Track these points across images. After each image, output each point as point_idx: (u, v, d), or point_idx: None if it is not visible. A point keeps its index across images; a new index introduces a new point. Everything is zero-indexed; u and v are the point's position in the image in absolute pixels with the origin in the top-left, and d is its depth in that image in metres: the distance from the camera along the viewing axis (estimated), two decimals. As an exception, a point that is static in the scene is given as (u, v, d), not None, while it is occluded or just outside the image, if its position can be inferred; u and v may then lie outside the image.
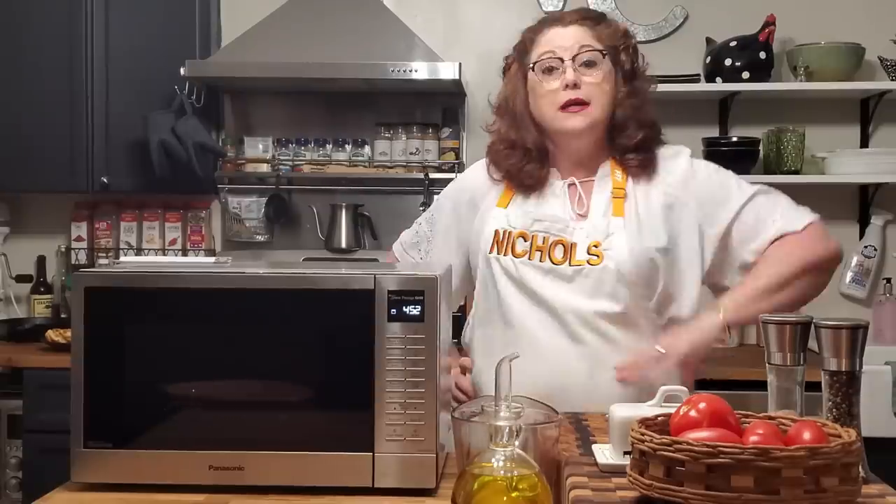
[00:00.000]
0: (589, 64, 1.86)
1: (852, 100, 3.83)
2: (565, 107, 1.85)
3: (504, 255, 1.88)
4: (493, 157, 1.97)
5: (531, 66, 1.89)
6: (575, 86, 1.84)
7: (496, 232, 1.90)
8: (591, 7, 3.89)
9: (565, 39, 1.87)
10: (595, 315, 1.82)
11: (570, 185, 1.91)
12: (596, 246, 1.83)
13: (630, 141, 1.88)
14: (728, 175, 1.97)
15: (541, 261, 1.86)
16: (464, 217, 2.02)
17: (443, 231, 2.06)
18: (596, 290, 1.82)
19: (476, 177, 2.03)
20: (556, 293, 1.84)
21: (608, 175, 1.90)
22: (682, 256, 1.87)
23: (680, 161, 1.93)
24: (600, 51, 1.87)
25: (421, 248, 2.10)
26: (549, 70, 1.87)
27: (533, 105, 1.91)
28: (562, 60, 1.86)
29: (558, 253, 1.85)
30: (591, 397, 1.78)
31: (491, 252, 1.90)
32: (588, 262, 1.83)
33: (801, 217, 1.93)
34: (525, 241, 1.87)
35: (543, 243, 1.86)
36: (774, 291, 1.86)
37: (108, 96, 3.72)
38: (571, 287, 1.84)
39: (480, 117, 3.92)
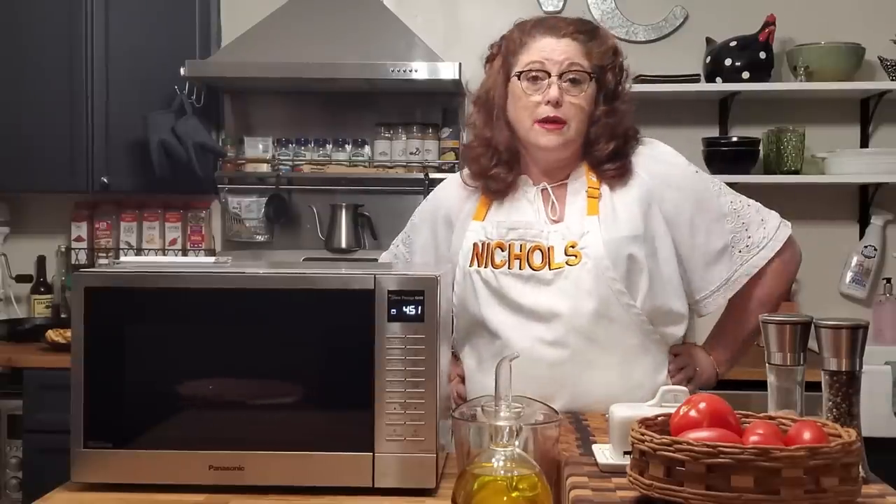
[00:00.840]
0: (574, 82, 1.84)
1: (852, 100, 3.83)
2: (543, 122, 1.84)
3: (484, 267, 1.87)
4: (469, 156, 1.95)
5: (517, 73, 1.86)
6: (557, 103, 1.83)
7: (475, 245, 1.89)
8: (590, 7, 3.90)
9: (556, 53, 1.84)
10: (576, 315, 1.81)
11: (542, 191, 1.90)
12: (573, 246, 1.82)
13: (602, 153, 1.87)
14: (705, 180, 1.95)
15: (520, 268, 1.85)
16: (441, 235, 2.01)
17: (420, 251, 2.06)
18: (576, 289, 1.81)
19: (448, 193, 2.02)
20: (536, 299, 1.83)
21: (582, 177, 1.88)
22: (661, 246, 1.85)
23: (657, 155, 1.92)
24: (588, 73, 1.85)
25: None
26: (534, 80, 1.84)
27: (511, 109, 1.89)
28: (548, 74, 1.83)
29: (537, 258, 1.84)
30: (581, 400, 1.78)
31: (471, 265, 1.89)
32: (567, 262, 1.82)
33: (773, 240, 1.92)
34: (503, 250, 1.86)
35: (521, 251, 1.85)
36: (757, 334, 1.90)
37: (108, 96, 3.73)
38: (552, 290, 1.82)
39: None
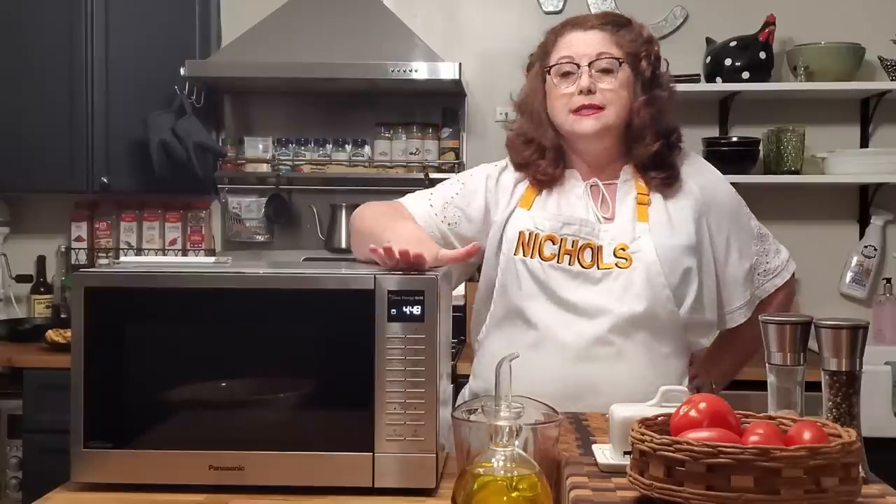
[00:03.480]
0: (606, 71, 1.84)
1: (852, 100, 3.83)
2: (578, 110, 1.84)
3: (531, 257, 1.86)
4: (511, 146, 1.96)
5: (548, 68, 1.88)
6: (590, 91, 1.83)
7: (521, 234, 1.87)
8: (590, 7, 3.90)
9: (584, 45, 1.86)
10: (622, 317, 1.81)
11: (592, 187, 1.90)
12: (623, 249, 1.83)
13: (647, 150, 1.86)
14: (741, 200, 1.99)
15: (570, 264, 1.84)
16: (483, 219, 1.95)
17: (464, 209, 1.96)
18: (624, 292, 1.81)
19: (495, 176, 1.96)
20: (583, 296, 1.83)
21: (631, 180, 1.89)
22: (706, 258, 1.88)
23: (701, 169, 1.95)
24: (618, 59, 1.84)
25: (447, 214, 1.95)
26: (566, 74, 1.86)
27: (549, 106, 1.90)
28: (578, 66, 1.84)
29: (587, 256, 1.84)
30: (616, 393, 1.75)
31: (516, 254, 1.87)
32: (616, 264, 1.82)
33: (785, 270, 2.02)
34: (553, 244, 1.85)
35: (573, 247, 1.85)
36: (752, 356, 2.03)
37: (108, 96, 3.73)
38: (599, 290, 1.83)
39: (480, 117, 3.97)
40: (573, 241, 1.85)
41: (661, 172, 1.87)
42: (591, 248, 1.84)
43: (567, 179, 1.92)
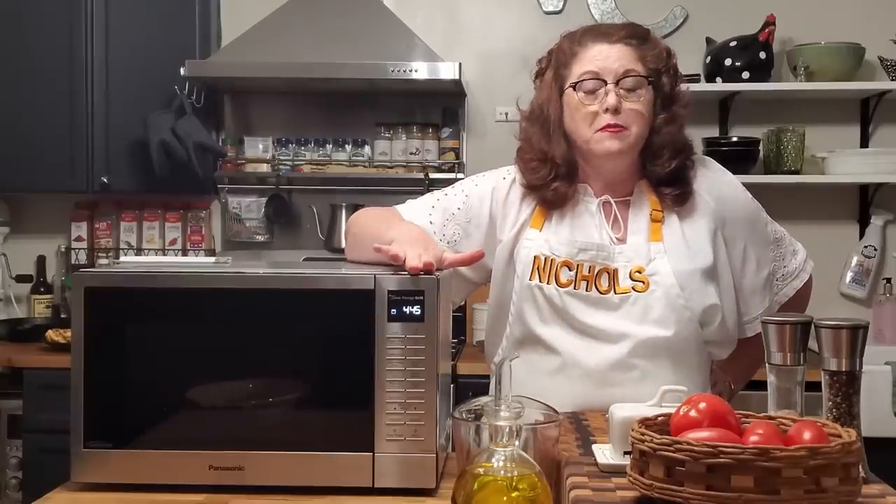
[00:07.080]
0: (631, 89, 1.79)
1: (852, 100, 3.83)
2: (603, 129, 1.78)
3: (546, 283, 1.81)
4: (524, 168, 1.88)
5: (572, 84, 1.80)
6: (616, 111, 1.77)
7: (536, 258, 1.82)
8: (590, 7, 3.90)
9: (610, 60, 1.79)
10: (643, 342, 1.77)
11: (604, 204, 1.85)
12: (639, 272, 1.79)
13: (664, 169, 1.82)
14: (758, 207, 1.94)
15: (587, 290, 1.80)
16: (475, 237, 1.90)
17: (473, 232, 1.91)
18: (644, 316, 1.78)
19: (498, 193, 1.91)
20: (602, 321, 1.79)
21: (645, 197, 1.84)
22: (724, 274, 1.84)
23: (717, 177, 1.90)
24: (644, 77, 1.80)
25: (446, 232, 1.91)
26: (590, 90, 1.79)
27: (568, 121, 1.83)
28: (604, 82, 1.78)
29: (604, 282, 1.80)
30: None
31: (531, 279, 1.82)
32: (633, 288, 1.79)
33: (803, 271, 1.99)
34: (570, 270, 1.81)
35: (589, 272, 1.80)
36: None
37: (108, 96, 3.73)
38: (618, 315, 1.79)
39: (480, 117, 3.97)
40: (589, 267, 1.80)
41: (676, 189, 1.83)
42: (608, 273, 1.80)
43: (580, 198, 1.85)
